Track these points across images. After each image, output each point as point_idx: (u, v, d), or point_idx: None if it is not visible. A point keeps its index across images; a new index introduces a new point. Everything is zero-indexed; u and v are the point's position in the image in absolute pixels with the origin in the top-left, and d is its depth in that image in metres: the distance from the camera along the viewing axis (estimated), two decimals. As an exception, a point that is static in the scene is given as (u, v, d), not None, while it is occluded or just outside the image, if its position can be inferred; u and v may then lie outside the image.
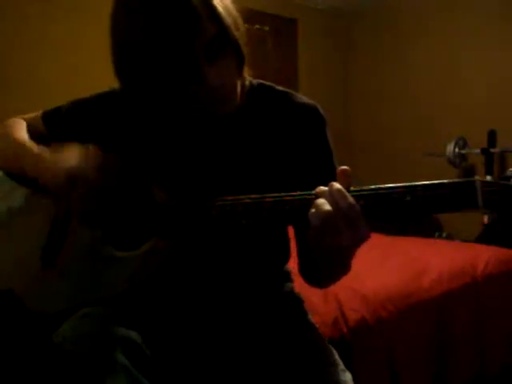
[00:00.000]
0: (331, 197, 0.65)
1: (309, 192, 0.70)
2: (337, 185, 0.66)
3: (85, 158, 0.84)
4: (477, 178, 0.65)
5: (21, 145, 0.93)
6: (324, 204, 0.65)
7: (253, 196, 0.74)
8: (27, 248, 0.93)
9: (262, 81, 0.95)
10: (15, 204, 0.96)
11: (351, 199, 0.65)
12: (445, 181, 0.66)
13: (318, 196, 0.67)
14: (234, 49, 0.80)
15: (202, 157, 0.90)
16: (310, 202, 0.70)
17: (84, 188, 0.82)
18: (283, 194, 0.72)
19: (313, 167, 0.89)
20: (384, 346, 1.45)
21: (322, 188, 0.67)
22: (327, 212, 0.64)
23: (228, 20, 0.77)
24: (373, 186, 0.68)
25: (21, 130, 0.97)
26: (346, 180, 0.67)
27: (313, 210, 0.66)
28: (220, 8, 0.76)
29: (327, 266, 0.78)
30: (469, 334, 1.75)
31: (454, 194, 0.65)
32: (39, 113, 1.03)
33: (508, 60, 3.16)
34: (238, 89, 0.84)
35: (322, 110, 0.93)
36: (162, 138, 0.92)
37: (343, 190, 0.65)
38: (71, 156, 0.85)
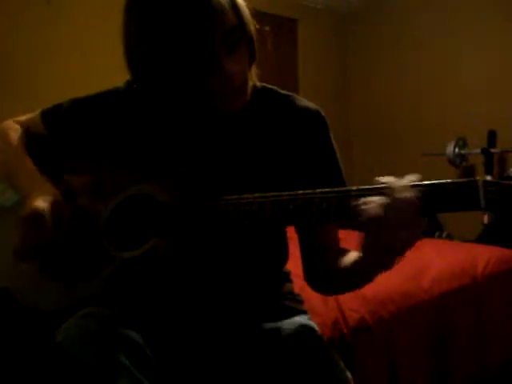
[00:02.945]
0: (391, 191, 0.64)
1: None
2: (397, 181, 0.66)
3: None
4: (479, 178, 0.65)
5: (17, 161, 0.93)
6: (378, 199, 0.65)
7: (256, 195, 0.74)
8: None
9: (265, 84, 0.96)
10: (8, 203, 0.96)
11: (411, 195, 0.64)
12: (448, 180, 0.66)
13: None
14: (248, 42, 0.81)
15: (205, 157, 0.90)
16: (312, 201, 0.70)
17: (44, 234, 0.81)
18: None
19: (316, 169, 0.90)
20: (384, 345, 1.45)
21: (383, 180, 0.67)
22: (385, 207, 0.64)
23: (246, 12, 0.80)
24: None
25: (16, 140, 0.97)
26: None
27: (366, 206, 0.65)
28: (240, 0, 0.79)
29: (364, 271, 0.76)
30: (469, 334, 1.75)
31: (456, 195, 0.65)
32: (37, 112, 1.03)
33: (508, 60, 3.16)
34: (249, 84, 0.84)
35: (323, 113, 0.93)
36: (164, 137, 0.92)
37: (402, 185, 0.65)
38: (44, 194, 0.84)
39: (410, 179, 0.67)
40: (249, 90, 0.85)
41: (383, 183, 0.67)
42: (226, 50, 0.77)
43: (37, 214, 0.80)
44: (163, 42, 0.75)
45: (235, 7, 0.77)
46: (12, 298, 0.89)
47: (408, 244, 0.65)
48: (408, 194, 0.64)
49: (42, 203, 0.82)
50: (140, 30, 0.77)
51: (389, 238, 0.64)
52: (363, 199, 0.66)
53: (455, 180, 0.66)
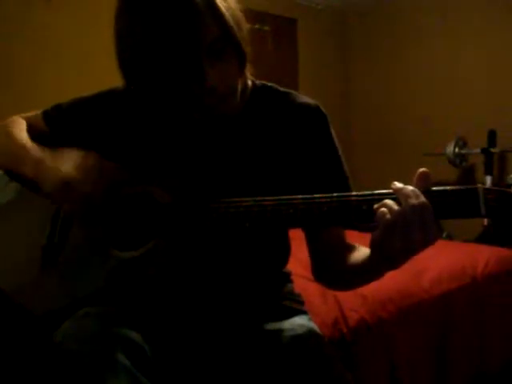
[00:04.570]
0: (405, 196, 0.65)
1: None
2: (409, 186, 0.66)
3: (84, 163, 0.84)
4: (479, 185, 0.65)
5: (21, 146, 0.93)
6: (395, 204, 0.65)
7: (257, 198, 0.74)
8: (23, 246, 0.93)
9: (264, 82, 0.96)
10: (6, 199, 0.96)
11: (425, 199, 0.65)
12: (447, 188, 0.66)
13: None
14: (236, 49, 0.80)
15: (205, 157, 0.90)
16: (312, 205, 0.70)
17: (80, 194, 0.82)
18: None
19: (318, 165, 0.90)
20: (384, 345, 1.45)
21: (397, 185, 0.67)
22: (399, 211, 0.64)
23: (231, 20, 0.77)
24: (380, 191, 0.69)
25: (21, 130, 0.97)
26: (424, 182, 0.67)
27: (383, 209, 0.65)
28: (223, 8, 0.77)
29: (374, 270, 0.76)
30: (469, 334, 1.75)
31: (456, 202, 0.65)
32: (39, 111, 1.03)
33: (508, 60, 3.16)
34: (239, 88, 0.84)
35: (323, 109, 0.93)
36: (164, 138, 0.92)
37: (417, 190, 0.66)
38: (70, 161, 0.85)
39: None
40: (239, 94, 0.84)
41: (393, 188, 0.68)
42: (210, 60, 0.76)
43: (68, 180, 0.83)
44: (147, 55, 0.75)
45: (218, 16, 0.76)
46: (8, 297, 0.89)
47: (421, 247, 0.66)
48: (420, 199, 0.65)
49: (68, 171, 0.84)
50: (126, 44, 0.77)
51: (402, 242, 0.64)
52: (376, 204, 0.67)
53: (455, 187, 0.66)
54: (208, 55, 0.76)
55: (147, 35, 0.74)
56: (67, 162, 0.85)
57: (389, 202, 0.66)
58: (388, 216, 0.64)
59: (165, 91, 0.80)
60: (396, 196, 0.66)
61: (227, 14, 0.77)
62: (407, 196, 0.65)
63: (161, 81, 0.78)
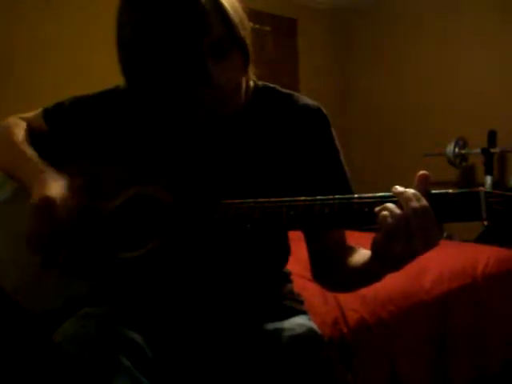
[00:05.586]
0: (407, 199, 0.65)
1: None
2: (411, 190, 0.66)
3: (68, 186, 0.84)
4: (481, 188, 0.65)
5: (21, 154, 0.93)
6: (396, 207, 0.65)
7: (259, 200, 0.74)
8: (22, 245, 0.92)
9: (266, 82, 0.96)
10: (3, 197, 0.96)
11: (426, 202, 0.65)
12: (449, 191, 0.66)
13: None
14: (240, 48, 0.80)
15: (206, 158, 0.90)
16: (314, 207, 0.70)
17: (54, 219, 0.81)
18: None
19: (320, 167, 0.90)
20: (384, 345, 1.45)
21: (399, 189, 0.67)
22: (401, 214, 0.64)
23: (235, 19, 0.77)
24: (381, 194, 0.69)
25: (21, 134, 0.97)
26: (424, 184, 0.67)
27: (385, 213, 0.65)
28: (228, 7, 0.76)
29: (374, 272, 0.76)
30: (469, 334, 1.75)
31: (457, 206, 0.65)
32: (39, 110, 1.03)
33: (508, 60, 3.16)
34: (243, 87, 0.84)
35: (325, 111, 0.93)
36: (166, 138, 0.92)
37: (418, 193, 0.66)
38: (56, 184, 0.84)
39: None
40: (243, 92, 0.84)
41: (394, 192, 0.68)
42: (214, 60, 0.76)
43: (48, 201, 0.80)
44: (150, 54, 0.75)
45: (223, 15, 0.76)
46: (7, 297, 0.89)
47: (423, 250, 0.66)
48: (422, 202, 0.65)
49: (53, 191, 0.82)
50: (128, 42, 0.77)
51: (404, 245, 0.65)
52: (377, 207, 0.67)
53: (456, 191, 0.66)
54: (213, 54, 0.76)
55: (151, 34, 0.73)
56: (55, 183, 0.84)
57: (390, 205, 0.66)
58: (389, 219, 0.64)
59: (167, 91, 0.80)
60: (397, 199, 0.66)
61: (232, 13, 0.77)
62: (409, 199, 0.65)
63: (164, 81, 0.78)
